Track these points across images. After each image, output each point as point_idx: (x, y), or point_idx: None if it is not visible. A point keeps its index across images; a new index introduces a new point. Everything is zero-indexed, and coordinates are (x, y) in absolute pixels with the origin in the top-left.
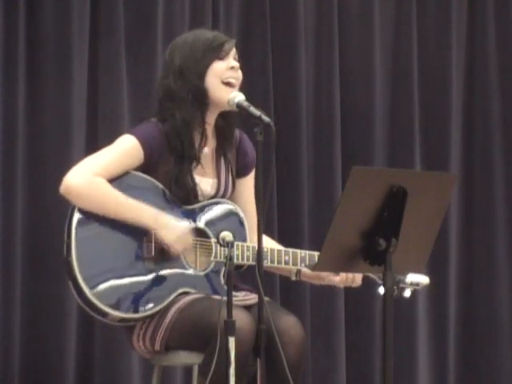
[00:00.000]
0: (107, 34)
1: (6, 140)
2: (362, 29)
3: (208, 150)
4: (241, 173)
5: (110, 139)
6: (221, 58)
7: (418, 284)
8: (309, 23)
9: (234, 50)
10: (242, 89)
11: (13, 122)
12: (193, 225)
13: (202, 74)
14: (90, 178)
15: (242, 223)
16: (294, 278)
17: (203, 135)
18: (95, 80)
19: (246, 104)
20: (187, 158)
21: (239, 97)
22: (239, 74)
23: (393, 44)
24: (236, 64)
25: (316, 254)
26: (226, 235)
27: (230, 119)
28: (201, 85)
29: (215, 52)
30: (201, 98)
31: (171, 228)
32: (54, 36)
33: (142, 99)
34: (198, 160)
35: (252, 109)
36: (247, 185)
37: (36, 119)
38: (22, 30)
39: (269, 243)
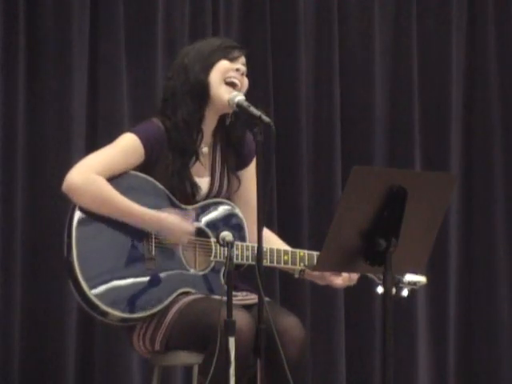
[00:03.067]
0: (107, 34)
1: (6, 140)
2: (362, 29)
3: (206, 150)
4: (240, 165)
5: (110, 139)
6: (229, 59)
7: (415, 283)
8: (309, 23)
9: (243, 59)
10: None
11: (13, 122)
12: (194, 224)
13: (206, 69)
14: (90, 176)
15: (241, 223)
16: (297, 276)
17: (201, 134)
18: (95, 80)
19: (245, 104)
20: (187, 153)
21: (239, 97)
22: (244, 80)
23: (393, 44)
24: (243, 68)
25: (315, 253)
26: (226, 235)
27: (232, 125)
28: (204, 78)
29: (224, 52)
30: (201, 93)
31: (171, 227)
32: (53, 36)
33: (142, 99)
34: (197, 156)
35: (252, 109)
36: (248, 176)
37: (36, 119)
38: (21, 30)
39: (270, 237)
